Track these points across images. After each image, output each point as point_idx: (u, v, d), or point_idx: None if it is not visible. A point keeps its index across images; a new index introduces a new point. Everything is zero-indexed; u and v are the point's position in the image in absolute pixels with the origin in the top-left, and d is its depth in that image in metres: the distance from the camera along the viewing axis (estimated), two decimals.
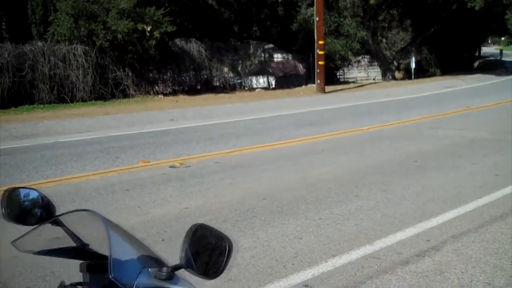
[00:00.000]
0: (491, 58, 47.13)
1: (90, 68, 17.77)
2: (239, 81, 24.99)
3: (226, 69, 24.46)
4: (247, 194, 5.98)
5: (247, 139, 9.92)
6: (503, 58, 45.37)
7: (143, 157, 8.23)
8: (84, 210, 1.29)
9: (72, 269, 1.47)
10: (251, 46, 27.85)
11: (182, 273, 1.22)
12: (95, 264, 1.28)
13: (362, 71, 32.83)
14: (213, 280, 1.20)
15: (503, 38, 64.75)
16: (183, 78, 22.37)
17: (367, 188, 6.15)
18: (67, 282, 1.33)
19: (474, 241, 4.30)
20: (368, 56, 31.59)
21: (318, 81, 21.28)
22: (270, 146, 9.16)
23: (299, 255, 4.09)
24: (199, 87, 22.64)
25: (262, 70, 27.03)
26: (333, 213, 5.17)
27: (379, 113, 13.77)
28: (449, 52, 32.78)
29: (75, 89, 17.51)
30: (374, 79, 30.95)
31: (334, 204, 5.49)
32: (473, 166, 7.19)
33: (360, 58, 31.51)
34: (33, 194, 1.43)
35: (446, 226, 4.70)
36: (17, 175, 7.05)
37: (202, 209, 5.40)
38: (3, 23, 21.91)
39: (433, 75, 31.00)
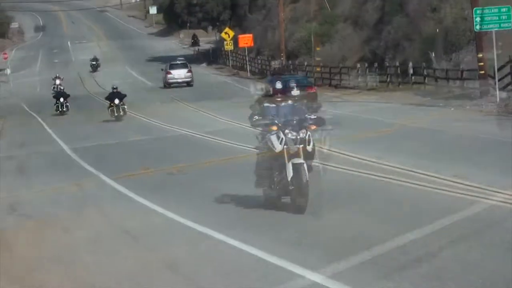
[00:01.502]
0: None
1: None
2: None
3: None
4: None
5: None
6: None
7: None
8: None
9: None
10: None
11: None
12: None
13: (359, 77, 32.76)
14: None
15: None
16: None
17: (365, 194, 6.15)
18: None
19: (472, 246, 4.28)
20: (366, 62, 31.52)
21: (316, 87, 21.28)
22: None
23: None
24: None
25: None
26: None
27: (377, 117, 13.70)
28: None
29: None
30: (371, 85, 30.87)
31: (332, 210, 5.50)
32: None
33: (358, 64, 31.44)
34: None
35: (443, 231, 4.68)
36: None
37: None
38: None
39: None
